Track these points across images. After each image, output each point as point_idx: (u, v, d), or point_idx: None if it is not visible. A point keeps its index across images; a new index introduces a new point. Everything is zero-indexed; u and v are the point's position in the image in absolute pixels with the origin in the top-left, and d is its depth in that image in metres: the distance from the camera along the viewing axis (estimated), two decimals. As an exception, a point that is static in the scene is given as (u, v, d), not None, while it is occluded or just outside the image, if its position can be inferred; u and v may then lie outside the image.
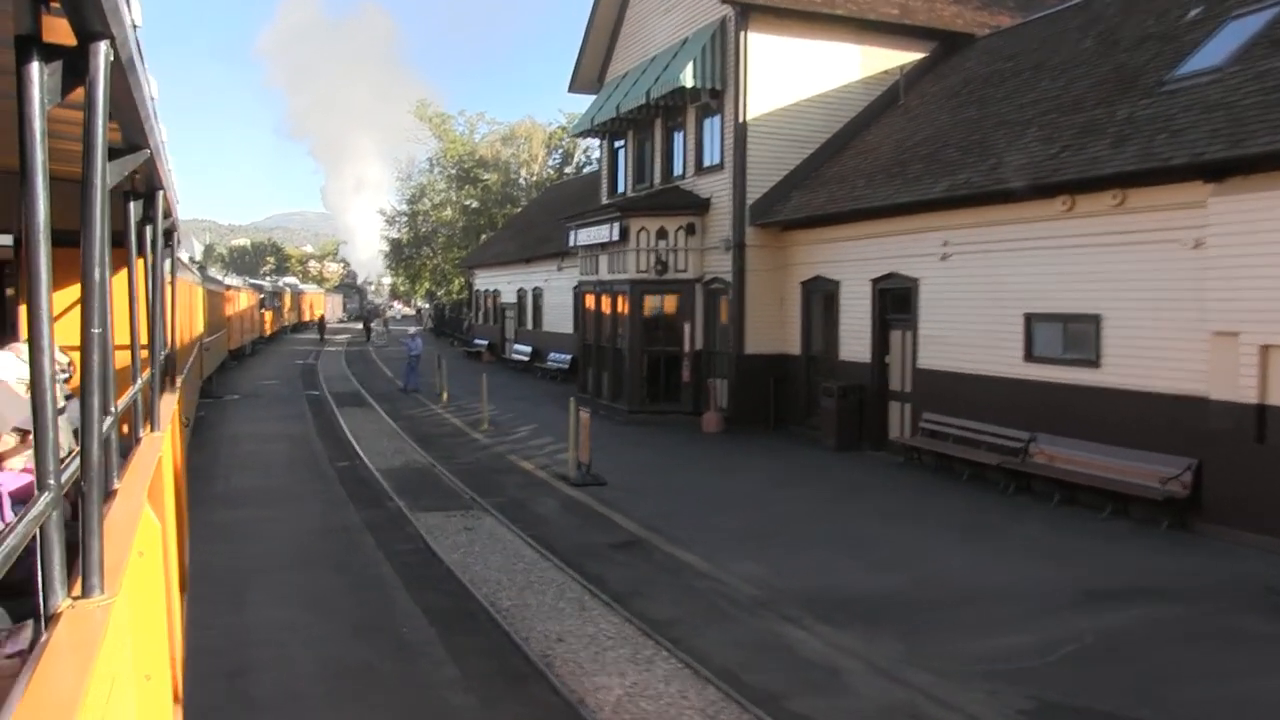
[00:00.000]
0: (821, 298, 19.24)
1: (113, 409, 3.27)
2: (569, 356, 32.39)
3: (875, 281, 17.46)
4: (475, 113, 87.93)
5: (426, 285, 75.14)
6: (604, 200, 26.29)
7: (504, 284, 41.81)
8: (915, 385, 16.61)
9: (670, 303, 21.75)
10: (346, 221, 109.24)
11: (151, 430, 5.03)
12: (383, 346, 53.31)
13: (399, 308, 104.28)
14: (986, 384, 14.93)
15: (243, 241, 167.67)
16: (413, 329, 30.41)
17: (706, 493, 14.17)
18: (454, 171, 61.54)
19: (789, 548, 11.04)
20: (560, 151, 61.12)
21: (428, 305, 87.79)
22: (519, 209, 56.18)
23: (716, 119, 20.70)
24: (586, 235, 23.32)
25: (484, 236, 56.78)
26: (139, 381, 4.55)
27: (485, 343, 43.81)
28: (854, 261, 18.01)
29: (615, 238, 21.53)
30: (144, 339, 5.04)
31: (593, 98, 27.02)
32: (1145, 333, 12.58)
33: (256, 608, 8.59)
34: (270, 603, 8.73)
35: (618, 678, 7.01)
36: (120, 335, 4.48)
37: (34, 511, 1.96)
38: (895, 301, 17.22)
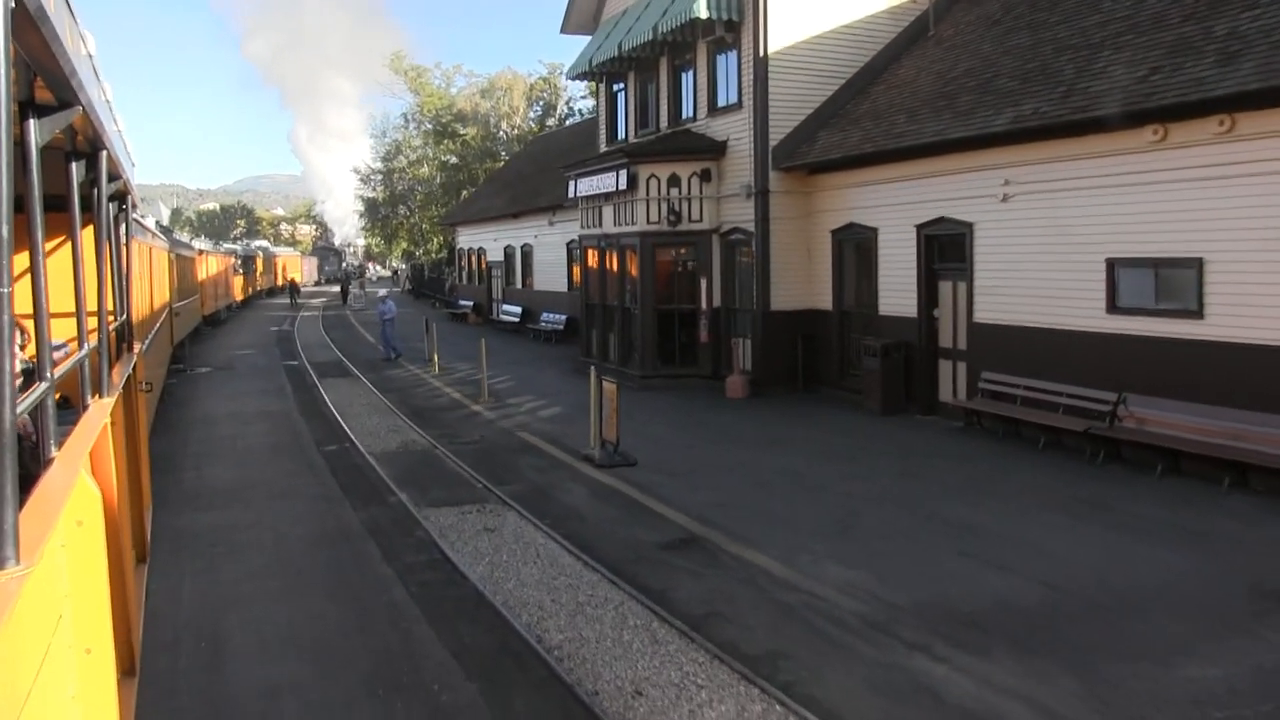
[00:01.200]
0: (856, 247, 17.44)
1: (48, 375, 3.21)
2: (564, 317, 30.55)
3: (921, 228, 15.66)
4: (452, 65, 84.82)
5: (404, 245, 72.74)
6: (602, 148, 24.26)
7: (490, 241, 39.71)
8: (971, 342, 14.89)
9: (684, 256, 19.88)
10: (319, 174, 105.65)
11: (100, 397, 4.90)
12: (360, 310, 51.08)
13: (374, 269, 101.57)
14: (1060, 339, 13.23)
15: (212, 206, 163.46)
16: (382, 291, 28.42)
17: (754, 472, 12.44)
18: (431, 127, 58.94)
19: (875, 542, 9.35)
20: (541, 103, 58.60)
21: (404, 266, 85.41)
22: (501, 163, 53.84)
23: (732, 54, 18.70)
24: (588, 185, 21.34)
25: (465, 193, 54.45)
26: (85, 348, 4.41)
27: (470, 304, 41.81)
28: (895, 206, 16.18)
29: (622, 186, 19.58)
30: (92, 305, 4.99)
31: (587, 39, 24.91)
32: (1259, 278, 10.88)
33: (238, 665, 6.71)
34: (256, 655, 6.86)
35: (730, 753, 5.29)
36: (64, 301, 4.64)
37: None
38: (945, 249, 15.45)
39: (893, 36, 18.71)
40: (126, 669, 4.45)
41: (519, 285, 36.24)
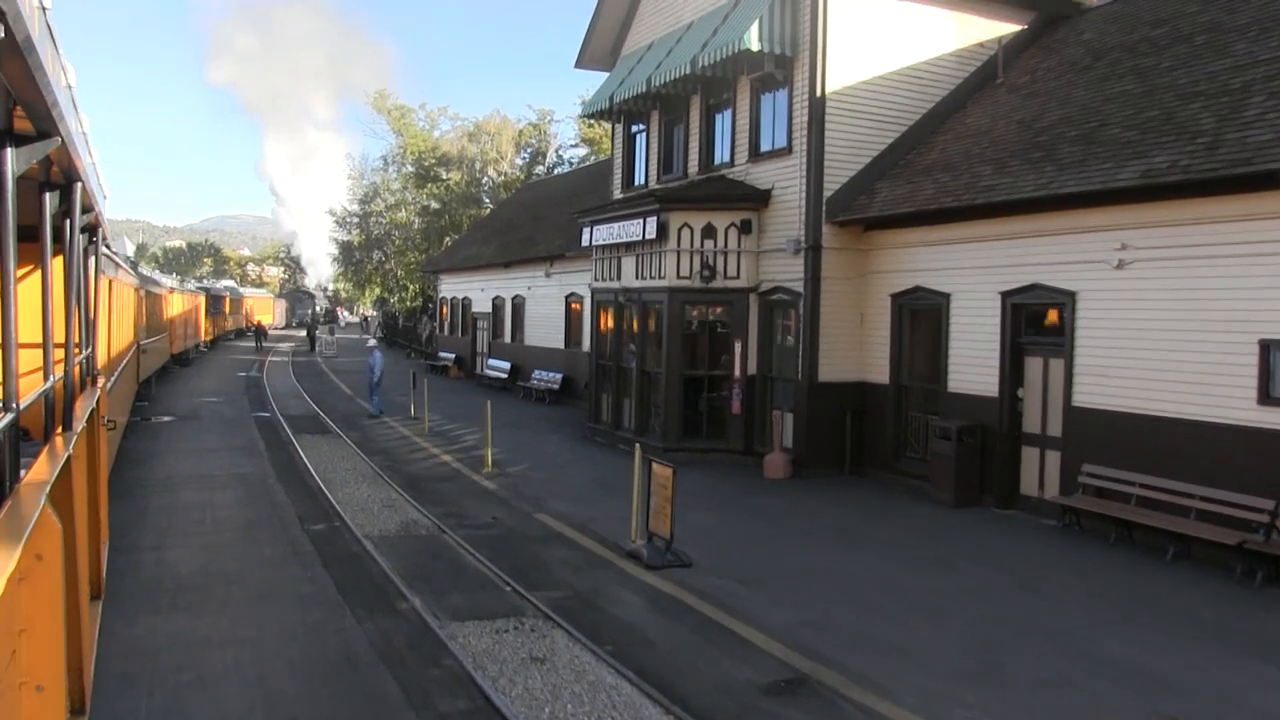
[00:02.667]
0: (921, 314, 15.52)
1: (14, 406, 3.25)
2: (559, 375, 28.38)
3: (1007, 295, 13.75)
4: (438, 106, 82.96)
5: (377, 291, 70.27)
6: (617, 194, 22.34)
7: (476, 291, 37.53)
8: (1068, 428, 12.91)
9: (717, 316, 17.86)
10: (292, 210, 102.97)
11: (63, 431, 4.82)
12: (332, 357, 48.58)
13: (343, 315, 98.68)
14: (1190, 431, 11.27)
15: (178, 243, 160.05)
16: (372, 340, 26.08)
17: (839, 580, 10.26)
18: (412, 169, 56.97)
19: (1038, 694, 7.19)
20: (529, 150, 56.91)
21: (375, 312, 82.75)
22: (485, 211, 51.92)
23: (781, 93, 16.88)
24: (607, 233, 19.34)
25: (448, 239, 52.35)
26: (50, 380, 4.36)
27: (452, 356, 39.48)
28: (974, 270, 14.29)
29: (649, 235, 17.58)
30: (60, 337, 4.83)
31: (599, 75, 23.15)
32: None
33: None
34: None
35: None
36: (32, 332, 4.84)
37: None
38: (1036, 321, 13.54)
39: (957, 83, 17.03)
40: (77, 708, 4.40)
41: (508, 339, 34.03)
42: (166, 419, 22.63)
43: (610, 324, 20.16)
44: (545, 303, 30.56)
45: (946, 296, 14.77)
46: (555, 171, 54.52)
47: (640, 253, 18.45)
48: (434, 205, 56.09)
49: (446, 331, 42.10)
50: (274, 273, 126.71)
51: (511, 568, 10.27)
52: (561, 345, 28.95)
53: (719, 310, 17.75)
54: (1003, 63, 17.15)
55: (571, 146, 58.07)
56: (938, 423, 14.23)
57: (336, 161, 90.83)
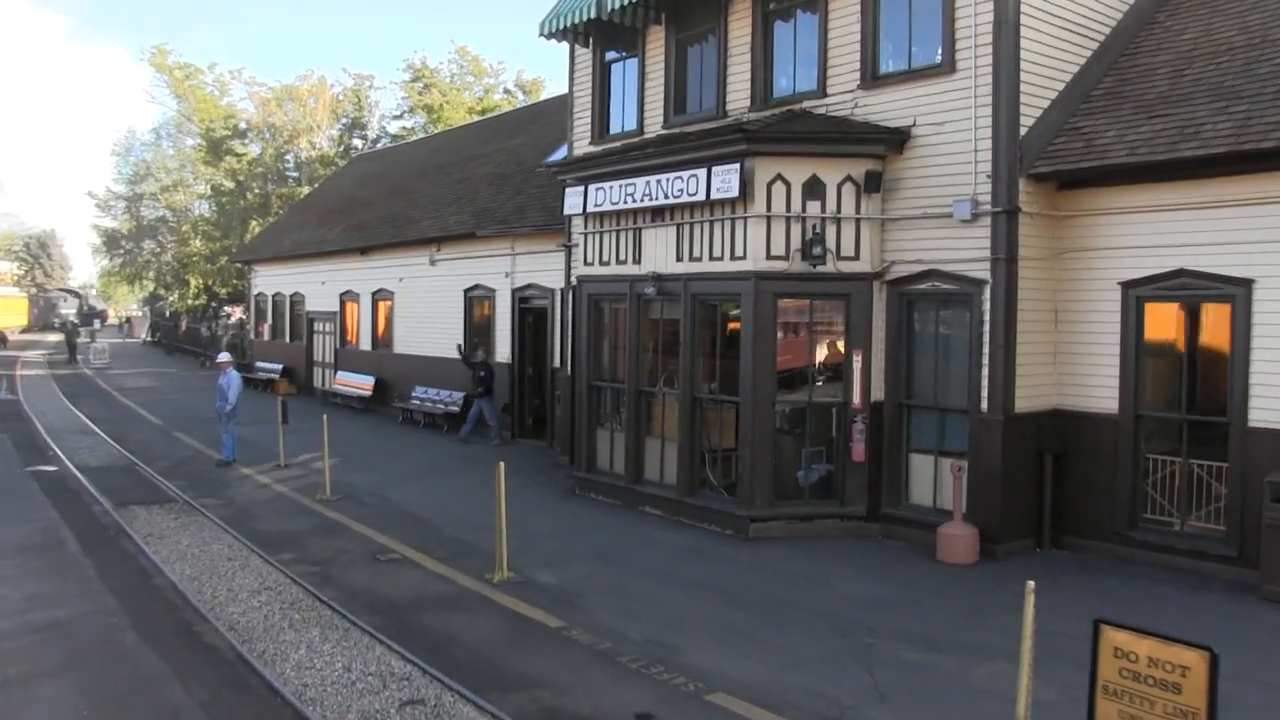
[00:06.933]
0: (1179, 312, 10.38)
1: None
2: (459, 395, 21.47)
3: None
4: (231, 68, 71.19)
5: (150, 287, 59.14)
6: (574, 152, 16.03)
7: (314, 285, 29.68)
8: None
9: (823, 314, 12.07)
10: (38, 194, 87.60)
11: None
12: (105, 368, 38.71)
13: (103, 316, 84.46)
14: None
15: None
16: (225, 355, 18.28)
17: None
18: (204, 142, 47.26)
19: None
20: (347, 120, 48.50)
21: (143, 312, 70.57)
22: (301, 189, 43.36)
23: (924, -18, 11.31)
24: (620, 193, 13.07)
25: (255, 223, 43.32)
26: None
27: (279, 368, 31.31)
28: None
29: (723, 192, 11.52)
30: None
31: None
32: None
33: None
34: None
35: None
36: None
37: None
38: None
39: (1148, -13, 12.07)
40: None
41: (367, 346, 26.62)
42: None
43: (618, 329, 13.92)
44: (430, 299, 23.54)
45: (1244, 284, 9.64)
46: (379, 145, 46.63)
47: (689, 221, 12.34)
48: (228, 184, 46.49)
49: (267, 336, 33.71)
50: (5, 268, 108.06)
51: None
52: (458, 355, 22.07)
53: (825, 306, 11.95)
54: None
55: (395, 118, 50.21)
56: (1275, 478, 9.05)
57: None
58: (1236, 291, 9.69)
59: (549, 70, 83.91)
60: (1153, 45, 11.57)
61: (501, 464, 10.06)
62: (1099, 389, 10.76)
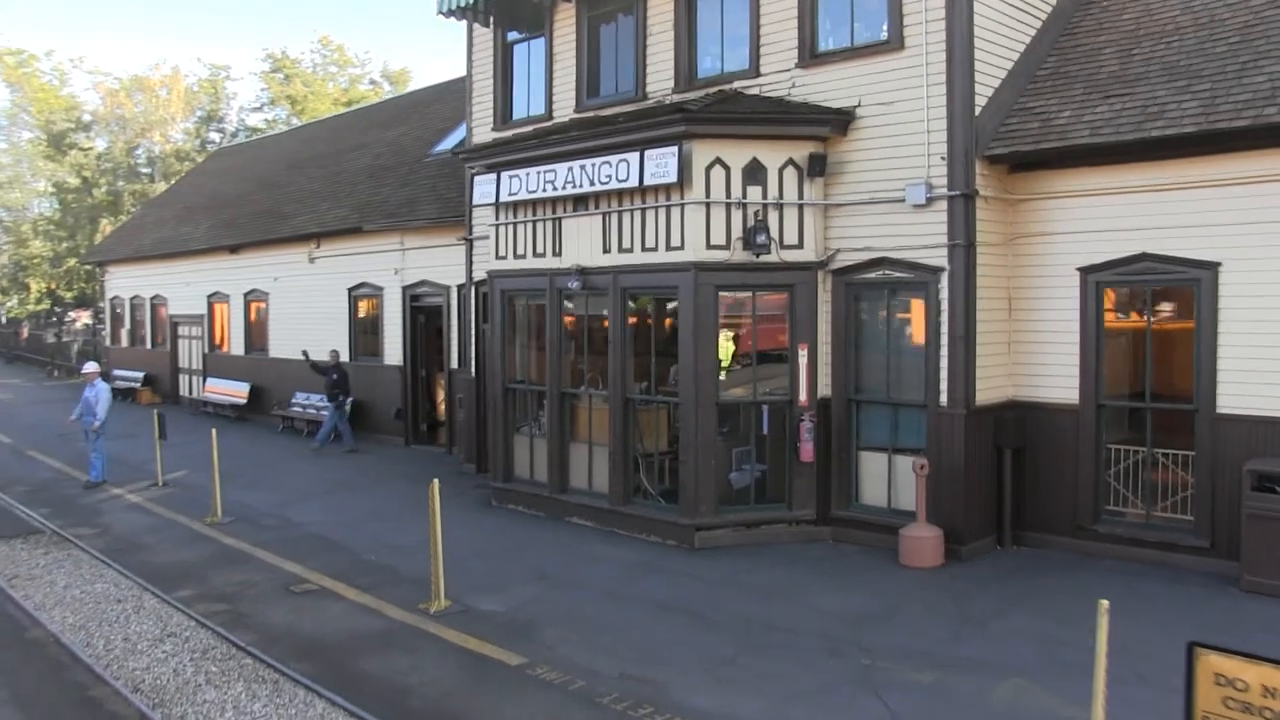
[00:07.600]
0: (1148, 296, 10.06)
1: None
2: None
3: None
4: (71, 56, 65.72)
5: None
6: (474, 139, 14.93)
7: (178, 286, 27.37)
8: None
9: (766, 307, 11.33)
10: None
11: None
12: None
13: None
14: None
15: None
16: (92, 365, 16.24)
17: None
18: (41, 136, 43.47)
19: None
20: (202, 112, 45.46)
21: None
22: (155, 185, 40.30)
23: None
24: (538, 180, 12.03)
25: (106, 221, 40.00)
26: None
27: (140, 375, 28.82)
28: (1268, 225, 9.03)
29: (659, 178, 10.64)
30: None
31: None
32: None
33: None
34: None
35: None
36: None
37: None
38: None
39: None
40: None
41: (239, 351, 24.65)
42: None
43: (535, 328, 12.88)
44: (309, 299, 21.90)
45: (1210, 268, 9.36)
46: (238, 139, 43.89)
47: (618, 209, 11.42)
48: (73, 181, 42.85)
49: (126, 342, 31.04)
50: None
51: None
52: (347, 357, 20.51)
53: (770, 298, 11.22)
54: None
55: (254, 110, 47.42)
56: (1255, 466, 8.76)
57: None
58: (1202, 275, 9.41)
59: (415, 60, 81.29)
60: (1092, 25, 11.27)
61: (436, 481, 8.89)
62: (1058, 379, 10.36)
